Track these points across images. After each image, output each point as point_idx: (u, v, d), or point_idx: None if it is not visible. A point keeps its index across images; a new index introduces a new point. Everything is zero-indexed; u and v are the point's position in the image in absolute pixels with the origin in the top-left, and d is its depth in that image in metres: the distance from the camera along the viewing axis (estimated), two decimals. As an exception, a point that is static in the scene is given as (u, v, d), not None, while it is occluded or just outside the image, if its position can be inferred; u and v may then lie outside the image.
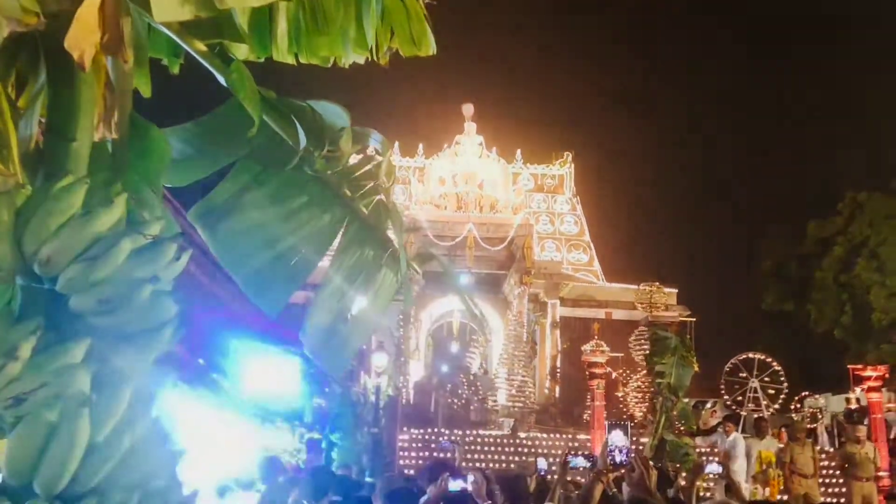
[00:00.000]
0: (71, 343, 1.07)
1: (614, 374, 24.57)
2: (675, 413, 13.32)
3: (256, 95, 1.56)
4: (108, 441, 1.06)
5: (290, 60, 1.92)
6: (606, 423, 9.60)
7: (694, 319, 26.51)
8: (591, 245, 36.65)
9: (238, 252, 1.80)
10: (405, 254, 1.99)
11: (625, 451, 4.34)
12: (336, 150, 1.73)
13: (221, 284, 21.32)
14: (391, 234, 2.08)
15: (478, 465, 20.24)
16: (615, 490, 4.40)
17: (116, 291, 1.09)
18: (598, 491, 3.82)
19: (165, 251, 1.17)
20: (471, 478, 5.55)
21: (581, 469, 7.90)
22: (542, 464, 9.23)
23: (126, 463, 1.08)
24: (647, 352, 15.34)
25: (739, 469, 12.69)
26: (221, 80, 1.62)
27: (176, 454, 1.19)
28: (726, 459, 12.19)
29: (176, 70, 1.79)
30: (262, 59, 1.90)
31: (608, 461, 4.21)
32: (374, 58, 2.04)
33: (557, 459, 20.93)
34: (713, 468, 7.53)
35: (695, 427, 14.01)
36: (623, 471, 3.93)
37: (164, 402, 1.21)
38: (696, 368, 14.05)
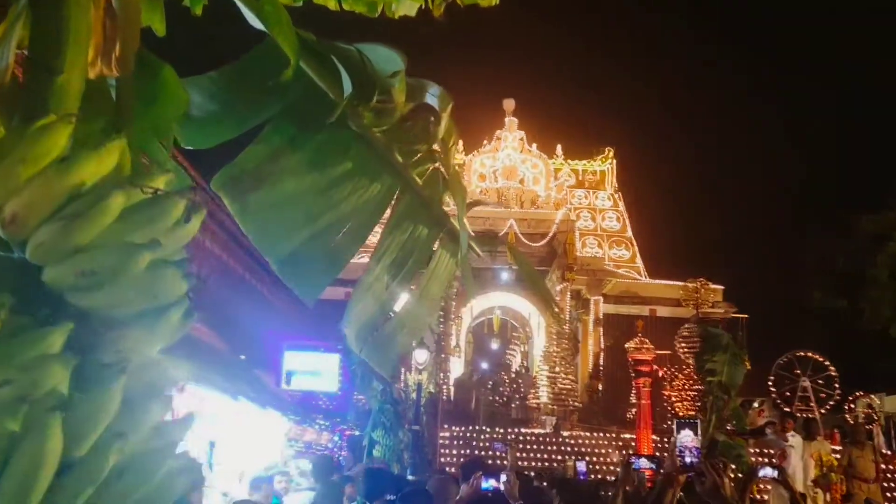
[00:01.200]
0: (46, 329, 0.79)
1: (660, 373, 24.03)
2: (726, 413, 12.84)
3: (293, 33, 1.29)
4: (90, 458, 0.78)
5: (332, 4, 1.64)
6: (675, 421, 9.10)
7: (745, 316, 25.79)
8: (634, 241, 36.11)
9: (271, 229, 1.53)
10: (465, 231, 1.70)
11: (696, 452, 4.02)
12: (388, 101, 1.45)
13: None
14: (448, 209, 1.80)
15: (520, 463, 20.00)
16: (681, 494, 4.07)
17: (104, 261, 0.81)
18: (669, 497, 3.51)
19: (169, 209, 0.87)
20: (503, 477, 5.41)
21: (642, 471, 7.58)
22: (581, 466, 8.87)
23: (113, 488, 0.79)
24: (697, 349, 14.87)
25: (794, 472, 12.18)
26: (251, 19, 1.36)
27: (183, 474, 0.89)
28: (783, 461, 11.70)
29: (199, 10, 1.52)
30: (300, 3, 1.63)
31: (678, 463, 3.86)
32: (429, 5, 1.76)
33: (600, 459, 20.71)
34: (767, 472, 7.08)
35: (746, 427, 13.49)
36: (692, 474, 3.61)
37: (170, 405, 0.92)
38: (748, 366, 13.54)
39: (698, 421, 8.38)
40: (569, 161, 38.40)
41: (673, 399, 24.33)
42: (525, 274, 1.96)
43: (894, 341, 29.13)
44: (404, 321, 1.78)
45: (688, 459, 3.93)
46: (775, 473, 7.56)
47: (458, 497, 5.80)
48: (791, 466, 12.18)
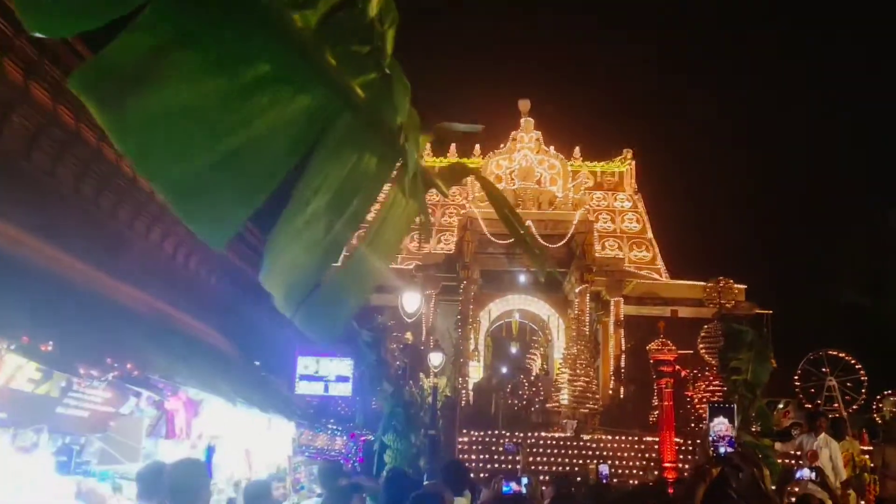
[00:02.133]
0: None
1: (683, 373, 23.49)
2: (751, 413, 12.35)
3: None
4: None
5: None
6: (708, 405, 8.61)
7: (770, 312, 25.12)
8: (654, 242, 35.67)
9: (159, 147, 1.17)
10: (414, 157, 1.34)
11: (730, 442, 3.63)
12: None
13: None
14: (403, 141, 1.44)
15: (540, 468, 19.57)
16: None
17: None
18: (701, 492, 3.13)
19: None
20: (525, 480, 5.20)
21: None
22: (604, 469, 8.45)
23: None
24: (720, 347, 14.38)
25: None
26: None
27: None
28: (814, 462, 11.18)
29: None
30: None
31: (711, 453, 3.45)
32: None
33: (622, 463, 20.19)
34: (804, 473, 6.64)
35: (773, 427, 12.95)
36: (724, 468, 3.22)
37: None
38: (774, 364, 13.05)
39: (734, 406, 7.92)
40: (587, 163, 38.03)
41: (696, 400, 23.77)
42: (493, 200, 1.59)
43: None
44: (352, 276, 1.42)
45: (721, 450, 3.54)
46: (813, 475, 7.13)
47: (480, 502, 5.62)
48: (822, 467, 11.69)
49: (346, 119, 1.34)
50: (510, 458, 19.36)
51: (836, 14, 63.11)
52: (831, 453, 11.93)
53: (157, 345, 7.07)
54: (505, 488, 5.24)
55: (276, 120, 1.26)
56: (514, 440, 20.24)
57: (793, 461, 12.73)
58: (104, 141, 10.46)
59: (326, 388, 18.44)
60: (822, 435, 12.07)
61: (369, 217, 1.46)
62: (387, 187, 1.46)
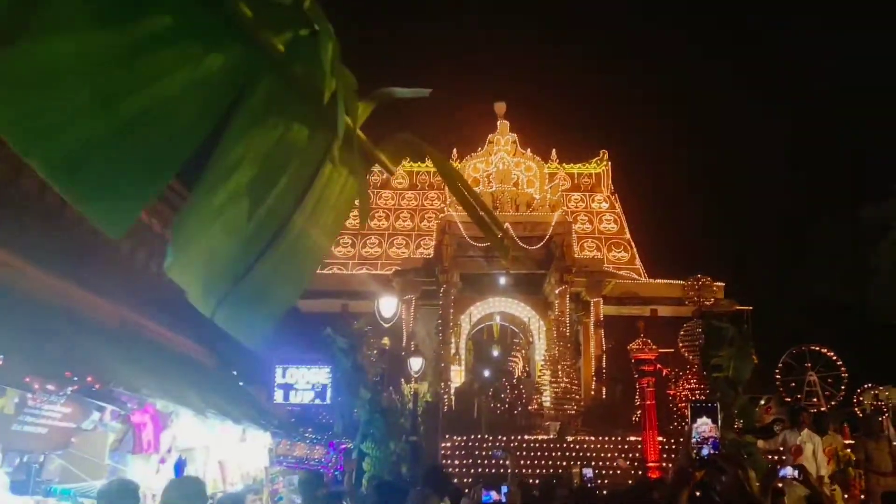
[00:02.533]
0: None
1: (664, 372, 23.42)
2: (734, 410, 12.24)
3: None
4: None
5: None
6: (690, 405, 8.43)
7: (750, 308, 25.11)
8: (632, 243, 35.71)
9: (34, 110, 0.98)
10: (343, 122, 1.16)
11: (714, 444, 3.46)
12: None
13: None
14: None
15: (525, 471, 19.42)
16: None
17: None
18: (684, 498, 2.96)
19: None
20: (504, 488, 5.06)
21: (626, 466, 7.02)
22: (588, 472, 8.28)
23: None
24: (701, 345, 14.29)
25: (808, 468, 11.62)
26: None
27: None
28: (798, 457, 11.07)
29: None
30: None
31: (693, 455, 3.24)
32: None
33: (605, 464, 20.10)
34: (787, 472, 6.51)
35: (756, 424, 12.85)
36: (706, 472, 3.03)
37: None
38: (756, 360, 12.96)
39: (717, 405, 7.74)
40: (564, 165, 38.05)
41: (678, 399, 23.72)
42: (446, 178, 1.41)
43: (900, 332, 28.55)
44: (284, 266, 1.23)
45: (705, 451, 3.37)
46: (795, 473, 6.99)
47: None
48: (805, 462, 11.62)
49: (267, 81, 1.16)
50: (498, 462, 19.22)
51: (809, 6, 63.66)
52: (815, 448, 11.85)
53: (122, 356, 6.81)
54: (485, 497, 5.13)
55: (185, 81, 1.07)
56: (500, 444, 20.10)
57: (776, 457, 12.65)
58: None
59: (305, 398, 18.19)
60: (805, 430, 11.98)
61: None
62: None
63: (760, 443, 13.30)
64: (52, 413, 5.11)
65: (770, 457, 12.89)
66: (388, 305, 13.20)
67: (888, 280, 29.42)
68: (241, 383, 16.97)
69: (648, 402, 17.46)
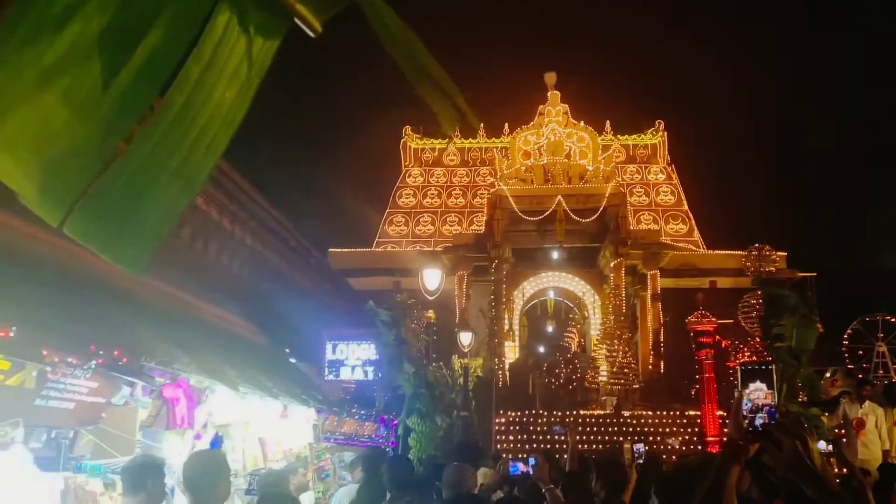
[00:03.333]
0: None
1: (723, 344, 22.73)
2: (798, 381, 11.68)
3: None
4: None
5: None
6: (740, 368, 7.97)
7: (814, 275, 24.07)
8: (690, 215, 34.81)
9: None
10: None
11: (770, 412, 3.06)
12: None
13: (299, 267, 20.78)
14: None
15: (581, 446, 19.11)
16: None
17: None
18: (734, 475, 2.62)
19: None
20: (532, 461, 4.89)
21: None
22: (639, 448, 7.94)
23: None
24: (762, 314, 13.67)
25: (871, 441, 11.07)
26: None
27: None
28: (860, 431, 10.52)
29: None
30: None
31: (745, 426, 2.85)
32: None
33: (658, 440, 19.62)
34: (820, 446, 6.10)
35: (821, 396, 12.26)
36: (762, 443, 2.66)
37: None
38: (821, 329, 12.34)
39: (772, 368, 7.28)
40: (618, 137, 37.23)
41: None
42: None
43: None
44: (162, 157, 0.93)
45: (759, 421, 2.96)
46: (829, 448, 6.56)
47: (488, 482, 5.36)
48: (868, 436, 11.07)
49: None
50: (555, 437, 19.01)
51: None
52: (878, 420, 11.32)
53: (155, 331, 6.68)
54: (512, 469, 5.02)
55: None
56: (557, 420, 19.84)
57: (836, 431, 12.06)
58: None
59: (355, 374, 18.16)
60: (867, 402, 11.44)
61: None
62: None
63: (824, 417, 12.73)
64: (77, 388, 4.99)
65: (836, 430, 12.32)
66: (431, 278, 12.90)
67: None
68: (292, 360, 17.02)
69: (707, 375, 16.92)
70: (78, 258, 6.19)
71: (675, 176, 36.77)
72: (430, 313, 15.62)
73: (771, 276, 18.46)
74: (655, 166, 37.17)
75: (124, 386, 5.64)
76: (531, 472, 4.94)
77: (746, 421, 3.04)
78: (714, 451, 18.33)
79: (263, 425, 7.94)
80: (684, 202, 35.57)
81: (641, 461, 7.99)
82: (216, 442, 6.60)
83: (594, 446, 19.45)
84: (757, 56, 68.16)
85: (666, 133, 38.08)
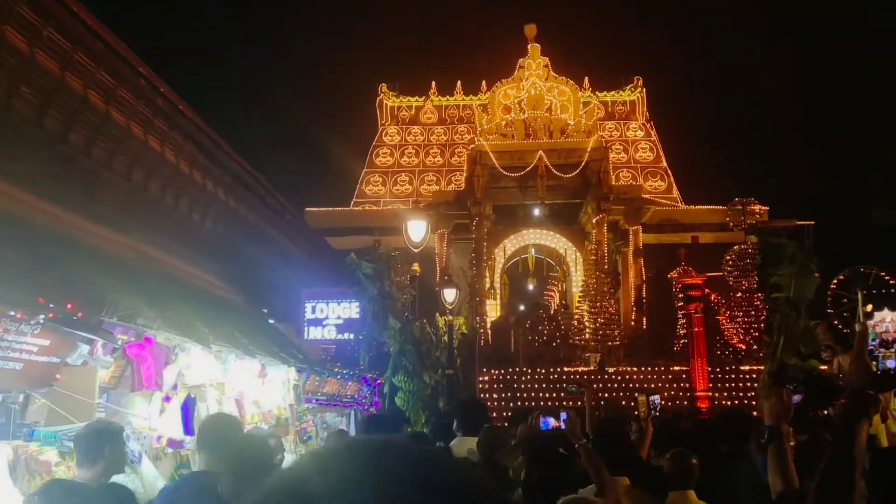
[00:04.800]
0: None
1: (712, 297, 22.40)
2: (796, 332, 11.30)
3: None
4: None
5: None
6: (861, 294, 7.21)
7: (812, 223, 23.66)
8: (669, 171, 34.42)
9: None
10: None
11: None
12: None
13: (278, 228, 20.08)
14: None
15: (564, 403, 18.79)
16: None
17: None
18: (864, 432, 2.11)
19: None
20: (563, 415, 4.56)
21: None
22: (655, 400, 7.49)
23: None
24: (758, 264, 13.21)
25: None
26: None
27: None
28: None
29: None
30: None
31: (874, 369, 2.29)
32: None
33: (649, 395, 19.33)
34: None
35: (821, 349, 11.87)
36: None
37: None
38: (819, 278, 11.93)
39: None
40: (597, 93, 36.57)
41: (727, 325, 22.72)
42: None
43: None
44: None
45: (892, 363, 2.43)
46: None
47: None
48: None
49: None
50: (574, 398, 18.61)
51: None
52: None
53: (119, 286, 6.06)
54: (543, 424, 4.74)
55: None
56: (577, 379, 19.36)
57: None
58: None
59: (334, 333, 17.68)
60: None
61: None
62: None
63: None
64: (25, 345, 4.38)
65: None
66: (416, 229, 12.31)
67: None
68: (271, 321, 16.43)
69: (696, 329, 16.57)
70: (24, 203, 5.55)
71: (653, 132, 36.32)
72: (416, 266, 15.03)
73: (767, 224, 17.99)
74: (634, 123, 36.70)
75: (81, 344, 5.04)
76: (563, 427, 4.64)
77: (874, 363, 2.51)
78: (703, 406, 18.11)
79: (240, 386, 7.39)
80: (663, 159, 35.16)
81: (657, 414, 7.54)
82: (188, 404, 6.03)
83: (578, 403, 19.15)
84: (736, 9, 67.40)
85: (644, 89, 37.54)
